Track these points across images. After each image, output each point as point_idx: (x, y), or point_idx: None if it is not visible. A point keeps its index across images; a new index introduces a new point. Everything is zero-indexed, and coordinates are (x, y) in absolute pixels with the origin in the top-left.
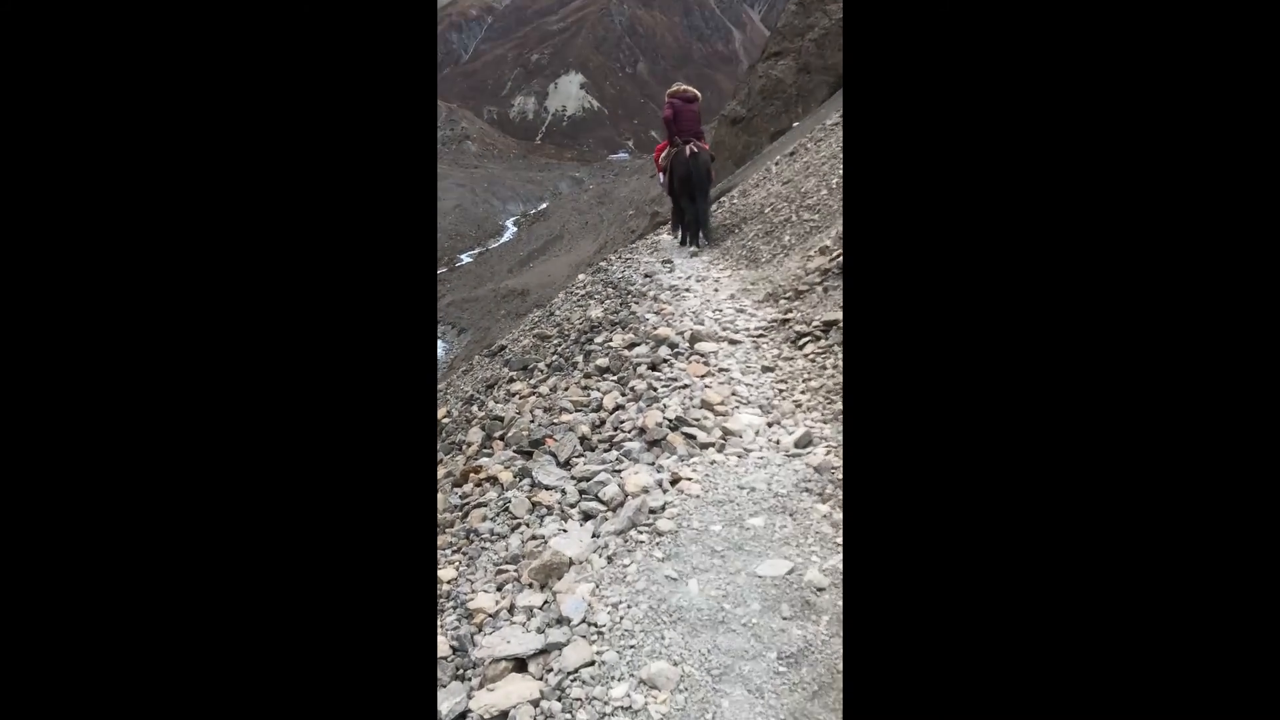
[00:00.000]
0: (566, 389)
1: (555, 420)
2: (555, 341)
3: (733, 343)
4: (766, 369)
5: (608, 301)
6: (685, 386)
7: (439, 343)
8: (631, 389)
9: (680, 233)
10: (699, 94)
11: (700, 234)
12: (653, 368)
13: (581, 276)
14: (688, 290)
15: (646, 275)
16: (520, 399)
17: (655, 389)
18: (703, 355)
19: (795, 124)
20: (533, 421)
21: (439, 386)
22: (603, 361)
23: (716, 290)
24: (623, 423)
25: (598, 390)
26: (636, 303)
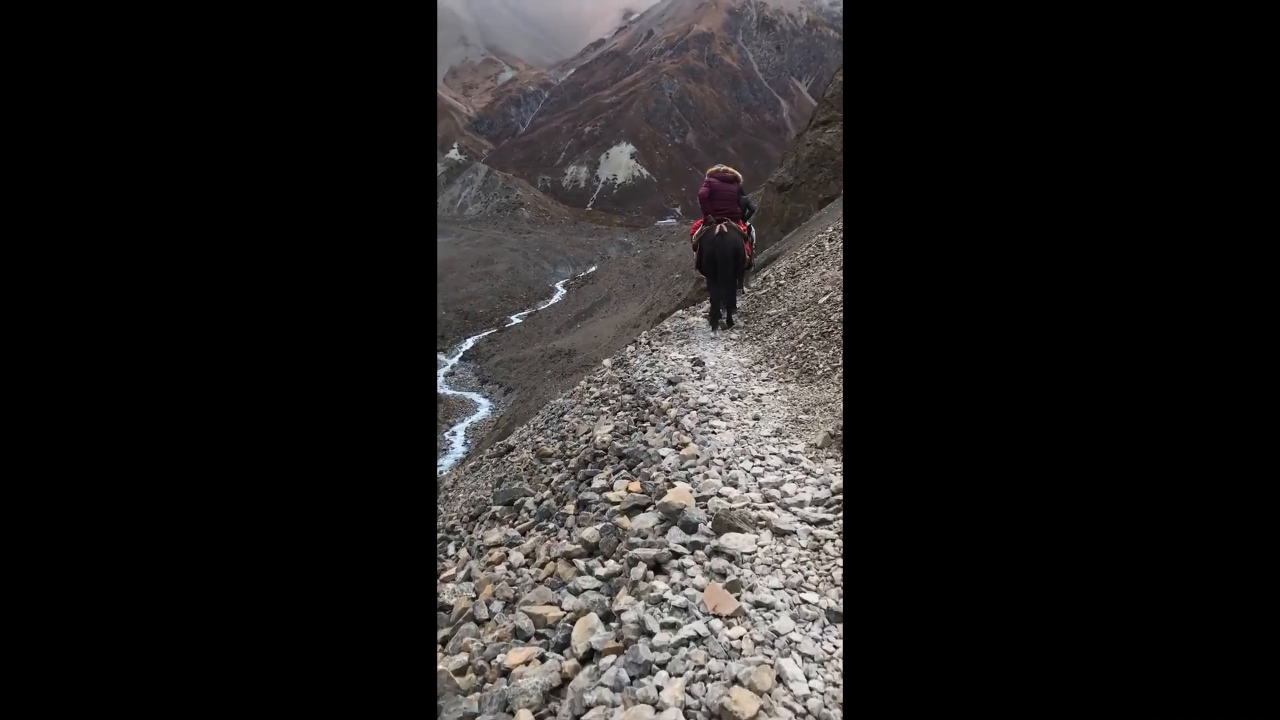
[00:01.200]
0: (543, 565)
1: (509, 642)
2: (554, 464)
3: (779, 534)
4: (836, 616)
5: (620, 414)
6: (699, 644)
7: (484, 401)
8: (618, 615)
9: (710, 311)
10: (740, 176)
11: (725, 315)
12: (657, 567)
13: (594, 377)
14: (719, 414)
15: (670, 383)
16: (487, 565)
17: (650, 629)
18: (731, 558)
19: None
20: (486, 622)
21: (449, 481)
22: (591, 534)
23: (757, 419)
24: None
25: (574, 593)
26: (653, 424)
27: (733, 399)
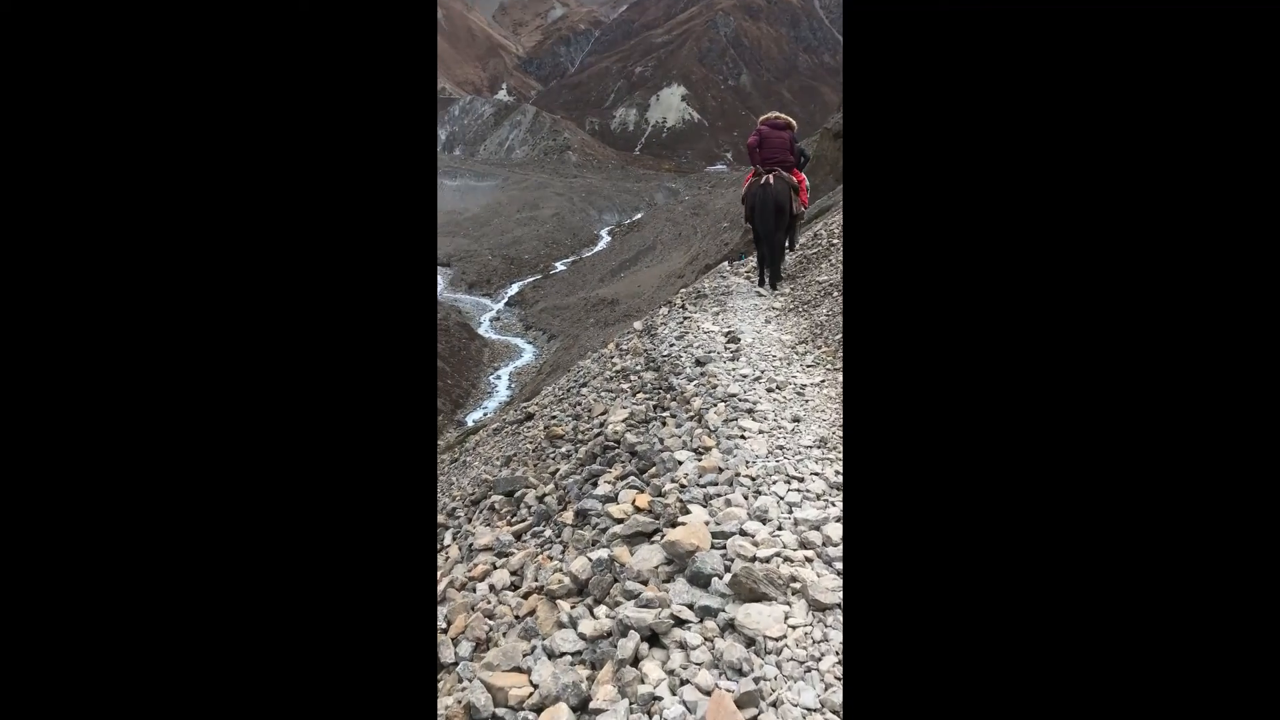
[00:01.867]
0: (525, 595)
1: None
2: (563, 449)
3: (818, 607)
4: None
5: (639, 397)
6: None
7: (528, 347)
8: (594, 716)
9: (760, 264)
10: (793, 122)
11: (770, 275)
12: (653, 638)
13: (621, 342)
14: (751, 410)
15: (699, 363)
16: (469, 579)
17: None
18: (750, 642)
19: None
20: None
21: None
22: (582, 567)
23: (797, 421)
24: None
25: (550, 655)
26: (673, 416)
27: (769, 390)
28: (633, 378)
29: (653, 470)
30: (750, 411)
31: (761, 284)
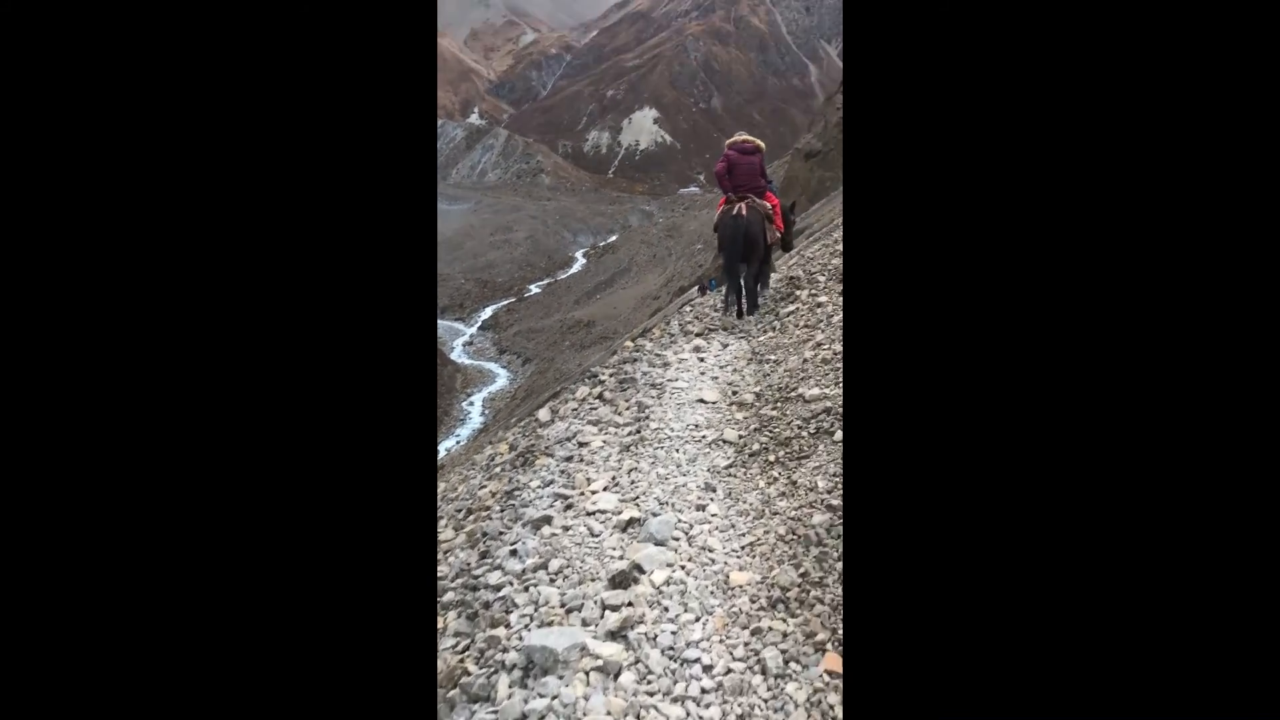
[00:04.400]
0: None
1: None
2: (481, 522)
3: None
4: None
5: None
6: None
7: (502, 371)
8: None
9: (730, 293)
10: (762, 145)
11: (745, 305)
12: None
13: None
14: (702, 506)
15: (536, 526)
16: None
17: None
18: None
19: None
20: None
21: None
22: None
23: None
24: None
25: None
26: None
27: (657, 540)
28: (448, 589)
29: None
30: (585, 652)
31: (727, 311)
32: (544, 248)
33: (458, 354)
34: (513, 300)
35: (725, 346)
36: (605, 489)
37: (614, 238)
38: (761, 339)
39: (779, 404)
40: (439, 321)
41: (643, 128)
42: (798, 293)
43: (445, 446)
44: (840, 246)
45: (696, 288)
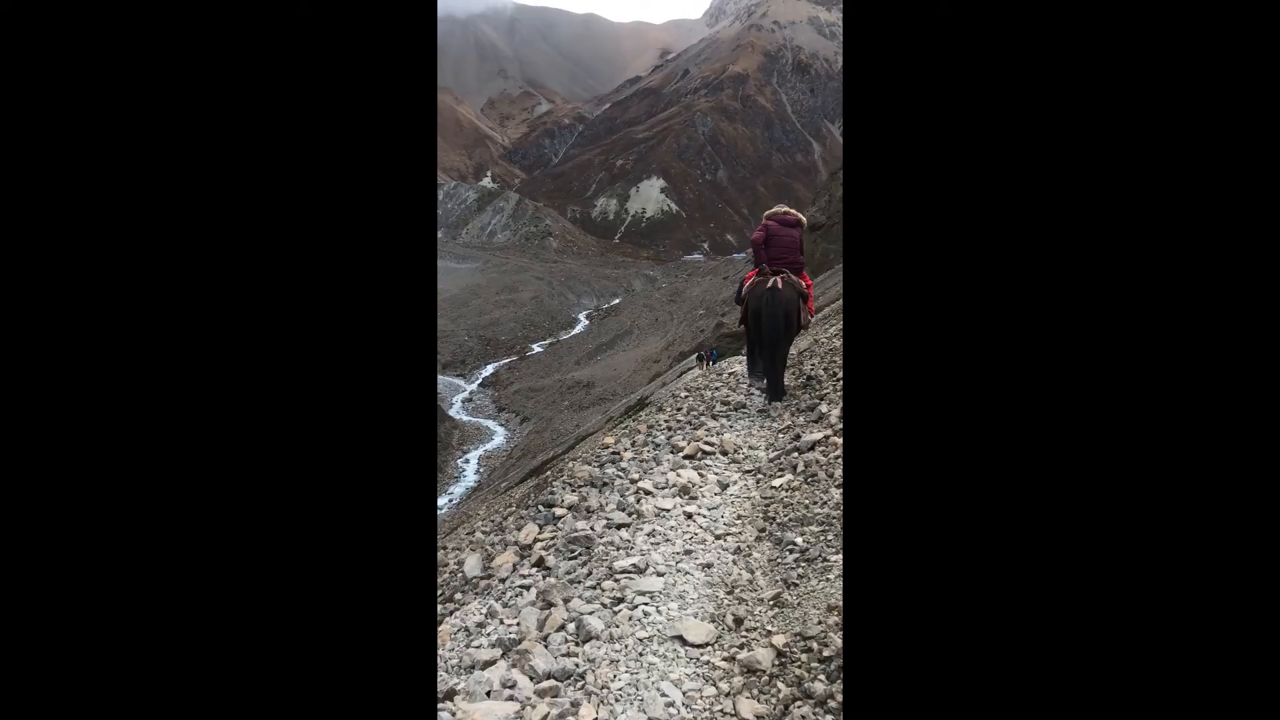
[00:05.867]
0: None
1: None
2: None
3: None
4: None
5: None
6: None
7: (500, 429)
8: None
9: (754, 375)
10: (804, 219)
11: (772, 389)
12: None
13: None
14: None
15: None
16: None
17: None
18: None
19: None
20: None
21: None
22: None
23: None
24: None
25: None
26: None
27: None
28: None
29: None
30: None
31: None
32: (548, 308)
33: (456, 410)
34: (514, 358)
35: (725, 488)
36: None
37: (617, 300)
38: (777, 482)
39: (810, 649)
40: (441, 377)
41: (650, 196)
42: (820, 407)
43: (439, 503)
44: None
45: (696, 356)
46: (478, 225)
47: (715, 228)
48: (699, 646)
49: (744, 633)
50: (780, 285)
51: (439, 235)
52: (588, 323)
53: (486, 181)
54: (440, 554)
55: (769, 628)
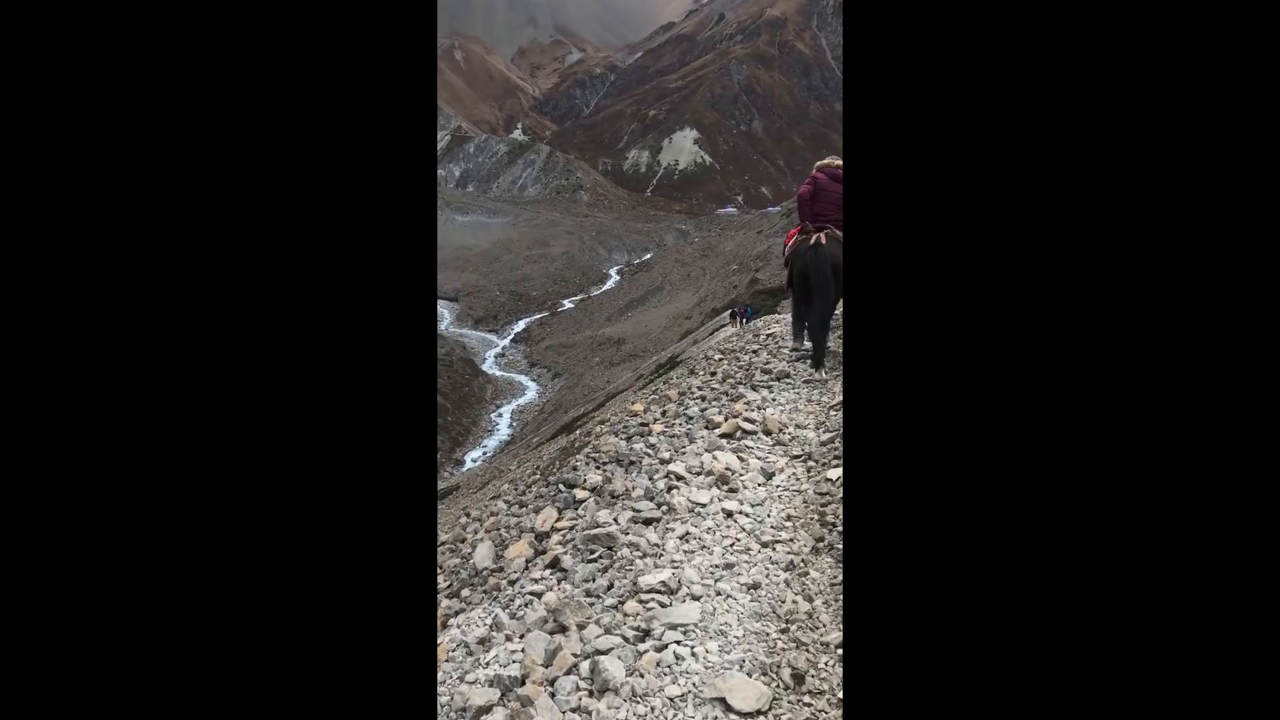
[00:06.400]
0: None
1: None
2: None
3: None
4: None
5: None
6: None
7: (532, 385)
8: None
9: (798, 339)
10: None
11: (815, 352)
12: None
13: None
14: None
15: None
16: None
17: None
18: None
19: None
20: None
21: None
22: None
23: None
24: None
25: None
26: None
27: None
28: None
29: None
30: None
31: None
32: (579, 264)
33: (489, 365)
34: (546, 314)
35: (770, 477)
36: None
37: (649, 255)
38: (833, 474)
39: None
40: (473, 332)
41: (683, 148)
42: None
43: (472, 457)
44: None
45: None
46: (509, 179)
47: (750, 180)
48: (747, 716)
49: (807, 697)
50: (825, 241)
51: (470, 189)
52: (619, 278)
53: (517, 134)
54: (462, 519)
55: (839, 692)
